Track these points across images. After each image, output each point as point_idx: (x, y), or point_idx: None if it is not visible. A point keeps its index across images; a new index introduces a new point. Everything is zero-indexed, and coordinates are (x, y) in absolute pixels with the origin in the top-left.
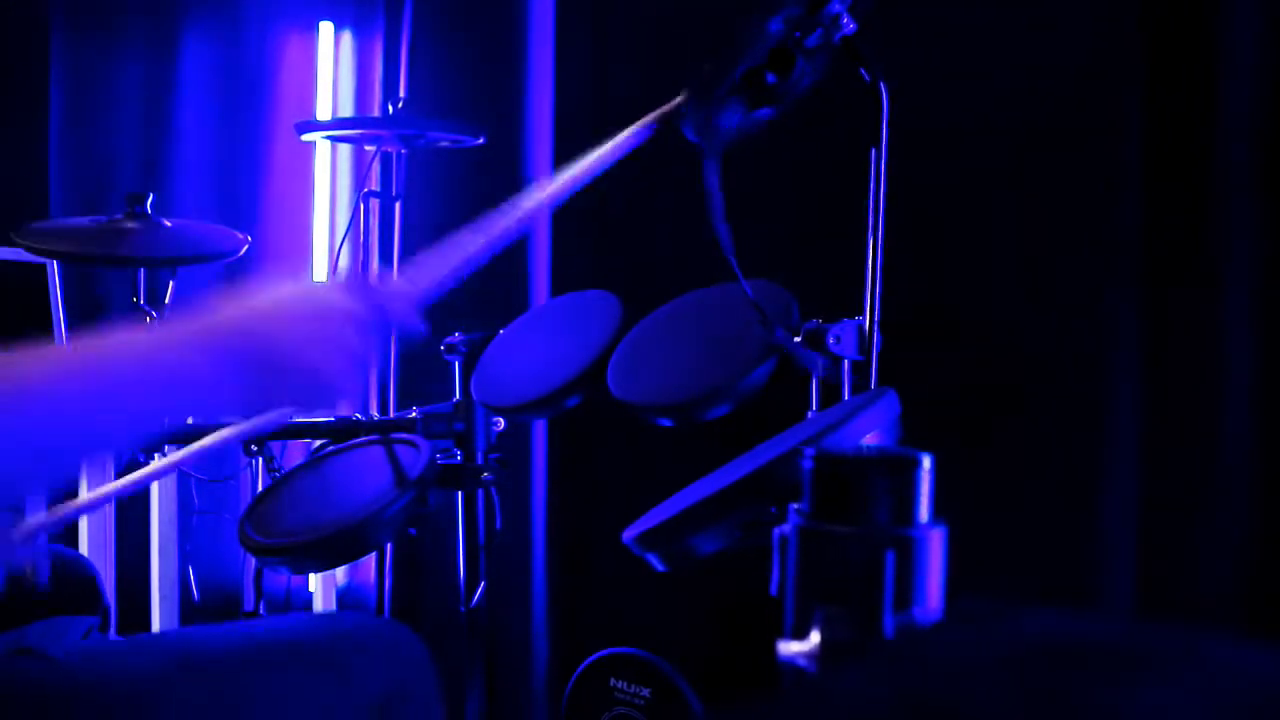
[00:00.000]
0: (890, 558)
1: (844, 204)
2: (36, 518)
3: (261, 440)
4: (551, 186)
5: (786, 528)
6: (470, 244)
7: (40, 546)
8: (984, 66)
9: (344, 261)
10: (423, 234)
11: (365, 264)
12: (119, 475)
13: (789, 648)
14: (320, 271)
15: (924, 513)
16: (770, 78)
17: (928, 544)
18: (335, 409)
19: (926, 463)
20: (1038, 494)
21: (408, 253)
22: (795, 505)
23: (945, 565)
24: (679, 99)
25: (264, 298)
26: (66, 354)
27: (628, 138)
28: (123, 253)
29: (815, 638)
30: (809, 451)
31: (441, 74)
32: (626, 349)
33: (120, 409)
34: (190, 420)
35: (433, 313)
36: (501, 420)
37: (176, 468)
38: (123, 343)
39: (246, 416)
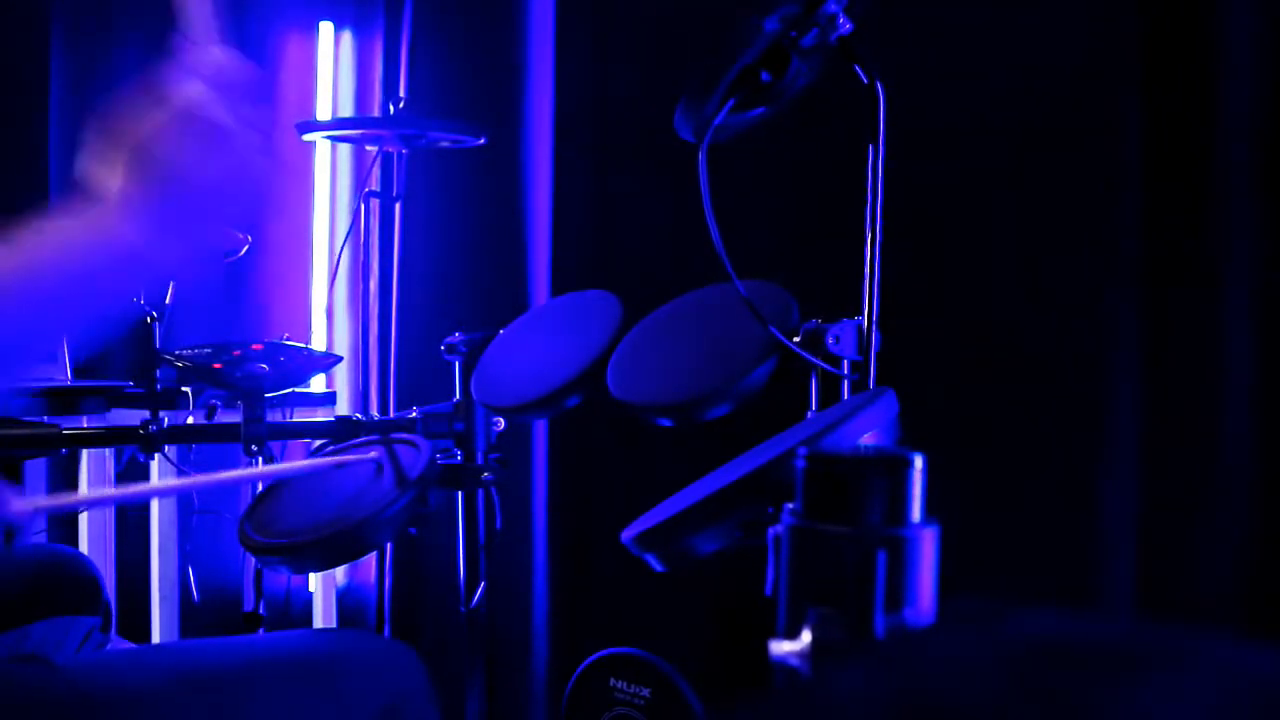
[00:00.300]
0: (882, 558)
1: (843, 204)
2: (35, 498)
3: (261, 440)
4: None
5: (780, 528)
6: None
7: (35, 514)
8: (982, 66)
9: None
10: (423, 234)
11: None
12: (119, 480)
13: (781, 647)
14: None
15: (916, 512)
16: (765, 76)
17: (920, 544)
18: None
19: (918, 462)
20: (1038, 494)
21: (408, 253)
22: (788, 505)
23: (939, 565)
24: None
25: (136, 131)
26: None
27: None
28: None
29: (807, 637)
30: (801, 451)
31: (441, 74)
32: (626, 349)
33: (63, 298)
34: (191, 420)
35: (432, 312)
36: (501, 420)
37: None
38: (45, 234)
39: (190, 270)
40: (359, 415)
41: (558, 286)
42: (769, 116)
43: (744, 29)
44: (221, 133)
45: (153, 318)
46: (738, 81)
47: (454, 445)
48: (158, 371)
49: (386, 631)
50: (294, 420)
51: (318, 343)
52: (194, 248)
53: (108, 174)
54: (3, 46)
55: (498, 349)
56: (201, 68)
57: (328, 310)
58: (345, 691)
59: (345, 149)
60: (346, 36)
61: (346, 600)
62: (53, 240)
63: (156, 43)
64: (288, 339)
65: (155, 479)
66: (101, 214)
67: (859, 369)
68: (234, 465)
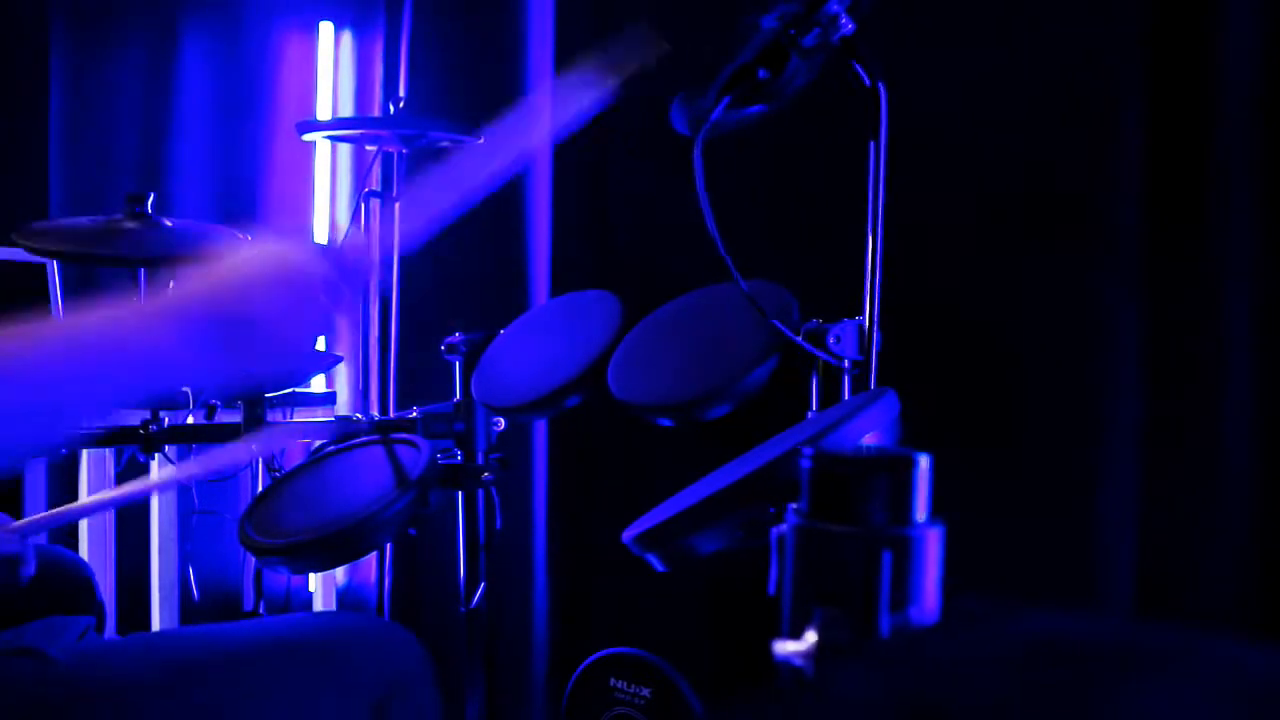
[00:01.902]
0: (887, 558)
1: (844, 204)
2: (33, 517)
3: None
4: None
5: (784, 527)
6: (467, 177)
7: (30, 542)
8: (983, 66)
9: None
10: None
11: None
12: (119, 481)
13: (786, 647)
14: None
15: (921, 513)
16: (762, 74)
17: (924, 544)
18: (293, 365)
19: (923, 462)
20: (1038, 494)
21: (408, 253)
22: (793, 505)
23: (943, 565)
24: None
25: (232, 263)
26: (46, 330)
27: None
28: (123, 253)
29: (811, 637)
30: (807, 451)
31: (441, 74)
32: (627, 349)
33: (97, 382)
34: (191, 420)
35: (432, 312)
36: (501, 420)
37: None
38: (99, 318)
39: (217, 383)
40: (359, 415)
41: (558, 286)
42: (766, 114)
43: (743, 26)
44: (310, 298)
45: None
46: (735, 78)
47: (454, 445)
48: None
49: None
50: (294, 420)
51: (318, 343)
52: (231, 369)
53: (183, 288)
54: (3, 46)
55: (498, 349)
56: (320, 246)
57: None
58: (345, 674)
59: (345, 149)
60: (346, 36)
61: (346, 600)
62: (99, 326)
63: (157, 43)
64: None
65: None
66: (154, 313)
67: (860, 366)
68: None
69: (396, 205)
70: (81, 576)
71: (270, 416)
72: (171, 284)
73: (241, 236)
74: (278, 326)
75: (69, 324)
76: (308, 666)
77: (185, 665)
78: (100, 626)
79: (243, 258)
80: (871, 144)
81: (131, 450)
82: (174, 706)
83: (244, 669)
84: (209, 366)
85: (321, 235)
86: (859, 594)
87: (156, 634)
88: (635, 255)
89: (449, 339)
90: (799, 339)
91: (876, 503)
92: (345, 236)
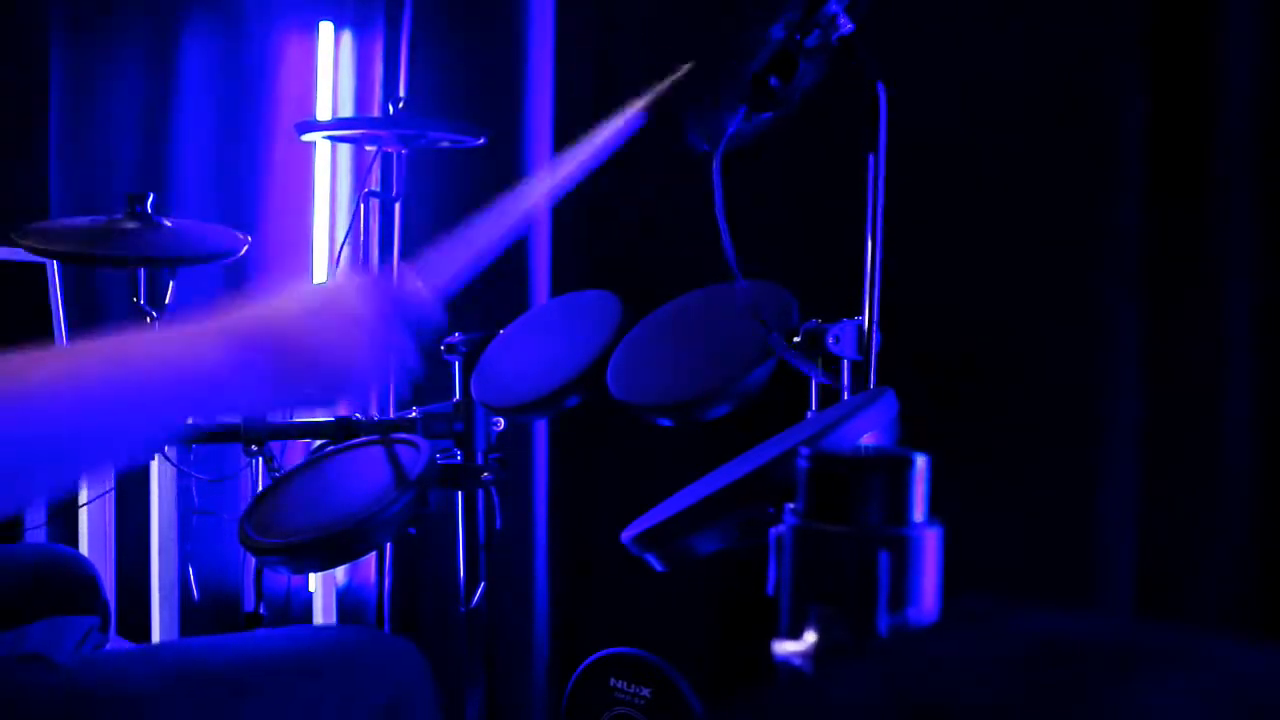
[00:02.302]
0: (884, 558)
1: (843, 204)
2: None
3: (261, 440)
4: (551, 178)
5: (782, 527)
6: (480, 239)
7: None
8: (983, 66)
9: (360, 261)
10: (423, 234)
11: (383, 263)
12: (119, 480)
13: (784, 648)
14: (328, 271)
15: (919, 513)
16: (774, 81)
17: (922, 544)
18: (351, 404)
19: (921, 462)
20: (1038, 494)
21: (407, 253)
22: (790, 505)
23: (941, 565)
24: (665, 86)
25: (287, 297)
26: (83, 355)
27: (620, 127)
28: (123, 253)
29: (810, 637)
30: (805, 451)
31: (441, 74)
32: (626, 349)
33: (141, 411)
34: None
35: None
36: (501, 420)
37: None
38: (143, 343)
39: (266, 413)
40: (359, 415)
41: (558, 286)
42: (776, 121)
43: (751, 38)
44: (372, 346)
45: (152, 317)
46: (748, 87)
47: (454, 445)
48: None
49: (386, 631)
50: (294, 420)
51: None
52: (281, 400)
53: (242, 320)
54: (3, 46)
55: (498, 349)
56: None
57: None
58: (347, 688)
59: (345, 149)
60: (346, 36)
61: (346, 600)
62: (146, 350)
63: (157, 43)
64: None
65: (155, 480)
66: (205, 341)
67: (856, 371)
68: (234, 465)
69: (397, 205)
70: (85, 575)
71: (270, 416)
72: (224, 311)
73: (241, 237)
74: (330, 372)
75: (106, 349)
76: (310, 679)
77: (189, 677)
78: (104, 626)
79: (300, 295)
80: (871, 143)
81: None
82: (178, 717)
83: (247, 681)
84: (251, 399)
85: (389, 281)
86: (857, 594)
87: (161, 644)
88: (635, 255)
89: (449, 339)
90: (791, 355)
91: (874, 503)
92: (396, 268)
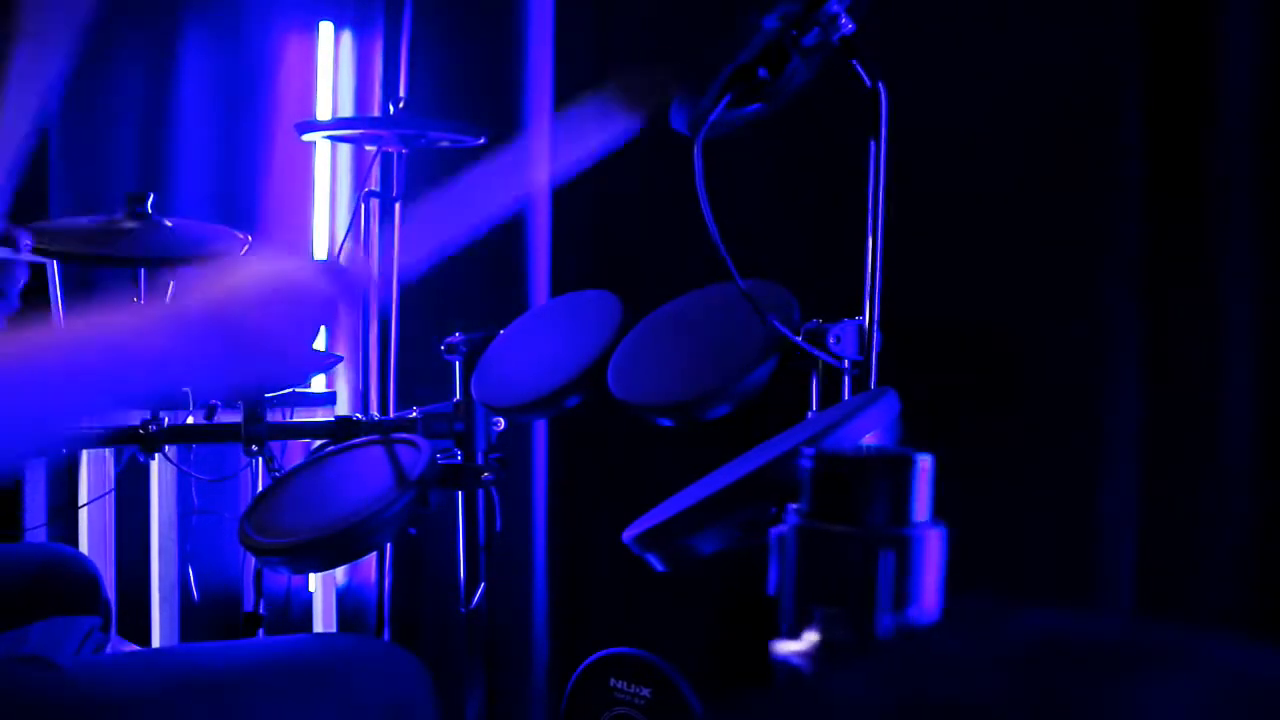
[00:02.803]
0: (887, 558)
1: (843, 204)
2: None
3: (261, 440)
4: (539, 176)
5: (784, 527)
6: (452, 230)
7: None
8: (983, 66)
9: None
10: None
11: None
12: (119, 481)
13: (785, 648)
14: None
15: (922, 513)
16: (762, 73)
17: (925, 544)
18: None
19: (924, 462)
20: (1038, 494)
21: (407, 253)
22: (793, 505)
23: (944, 565)
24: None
25: (234, 273)
26: (52, 333)
27: (620, 127)
28: (123, 253)
29: (811, 637)
30: (807, 451)
31: (441, 74)
32: (627, 349)
33: (98, 383)
34: (191, 420)
35: (432, 312)
36: (501, 420)
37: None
38: (101, 321)
39: (216, 385)
40: (359, 415)
41: (558, 286)
42: (765, 113)
43: (743, 26)
44: (308, 313)
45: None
46: (735, 77)
47: (454, 445)
48: None
49: (386, 632)
50: (294, 420)
51: (317, 343)
52: (230, 373)
53: (187, 294)
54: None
55: (498, 349)
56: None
57: None
58: (347, 697)
59: (345, 149)
60: (346, 36)
61: (346, 600)
62: (101, 328)
63: (157, 43)
64: None
65: (155, 480)
66: (155, 317)
67: (860, 366)
68: (234, 465)
69: (397, 205)
70: (86, 575)
71: (270, 417)
72: (173, 289)
73: (241, 237)
74: (276, 337)
75: (71, 326)
76: (311, 689)
77: (190, 683)
78: (105, 626)
79: (245, 270)
80: (871, 144)
81: (131, 450)
82: None
83: (247, 689)
84: (209, 370)
85: (321, 250)
86: (859, 594)
87: (162, 649)
88: (635, 255)
89: (449, 339)
90: (797, 339)
91: (877, 503)
92: (344, 250)
